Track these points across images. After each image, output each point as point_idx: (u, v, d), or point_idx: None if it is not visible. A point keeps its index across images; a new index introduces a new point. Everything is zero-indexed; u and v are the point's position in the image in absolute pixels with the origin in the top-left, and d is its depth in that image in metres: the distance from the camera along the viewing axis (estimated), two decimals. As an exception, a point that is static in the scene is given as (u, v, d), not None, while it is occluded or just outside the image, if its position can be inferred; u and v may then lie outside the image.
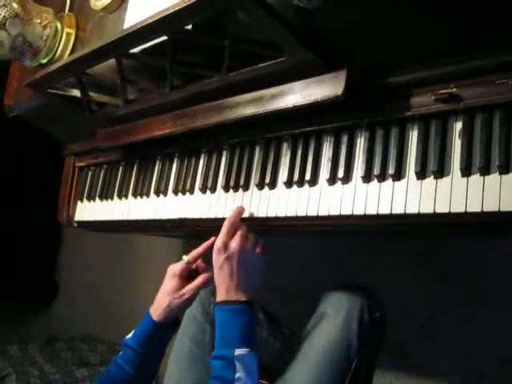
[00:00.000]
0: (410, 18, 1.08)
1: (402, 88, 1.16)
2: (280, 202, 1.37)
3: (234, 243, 1.22)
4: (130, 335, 1.33)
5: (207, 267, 1.37)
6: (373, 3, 1.09)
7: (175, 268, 1.36)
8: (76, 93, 1.61)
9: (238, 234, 1.25)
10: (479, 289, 1.92)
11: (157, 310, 1.32)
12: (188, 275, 1.37)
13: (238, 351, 1.13)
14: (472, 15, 1.02)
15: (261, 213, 1.39)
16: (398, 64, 1.15)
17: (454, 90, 1.10)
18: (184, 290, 1.33)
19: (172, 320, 1.35)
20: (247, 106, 1.35)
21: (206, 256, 1.36)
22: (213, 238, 1.38)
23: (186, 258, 1.38)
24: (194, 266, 1.39)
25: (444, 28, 1.06)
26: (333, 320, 1.31)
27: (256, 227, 1.43)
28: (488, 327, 1.86)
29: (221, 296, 1.21)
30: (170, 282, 1.35)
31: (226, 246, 1.22)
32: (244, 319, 1.17)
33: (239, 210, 1.32)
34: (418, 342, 2.02)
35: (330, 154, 1.30)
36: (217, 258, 1.23)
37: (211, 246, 1.36)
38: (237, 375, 1.11)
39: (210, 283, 1.35)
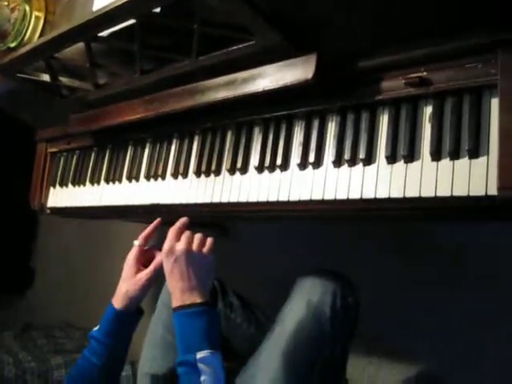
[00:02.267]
0: (381, 2, 1.07)
1: (372, 72, 1.16)
2: (251, 187, 1.36)
3: (180, 245, 1.20)
4: (96, 327, 1.32)
5: (159, 252, 1.35)
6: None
7: (130, 255, 1.35)
8: (46, 77, 1.59)
9: (183, 237, 1.23)
10: (453, 272, 1.93)
11: (117, 298, 1.30)
12: (145, 261, 1.35)
13: (200, 354, 1.12)
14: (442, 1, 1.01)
15: (232, 198, 1.39)
16: (369, 48, 1.14)
17: (425, 73, 1.09)
18: (139, 275, 1.30)
19: (134, 309, 1.32)
20: (218, 90, 1.33)
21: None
22: (158, 219, 1.40)
23: (136, 242, 1.36)
24: (145, 248, 1.37)
25: (414, 12, 1.05)
26: (305, 305, 1.31)
27: (227, 213, 1.43)
28: (461, 310, 1.88)
29: (176, 301, 1.19)
30: (127, 269, 1.33)
31: (172, 250, 1.20)
32: (202, 321, 1.16)
33: (184, 220, 1.30)
34: (392, 326, 2.02)
35: (301, 139, 1.29)
36: (166, 263, 1.21)
37: (157, 226, 1.39)
38: (202, 378, 1.10)
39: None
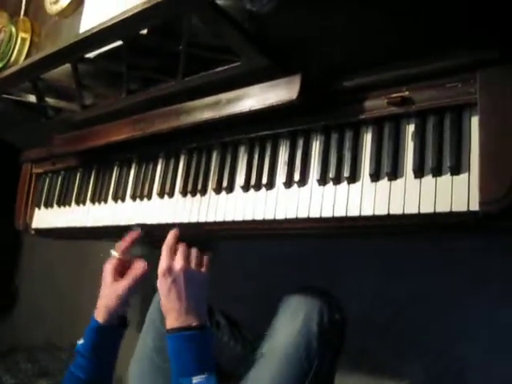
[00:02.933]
0: (362, 24, 1.09)
1: (355, 92, 1.18)
2: (237, 205, 1.37)
3: (178, 265, 1.18)
4: (81, 340, 1.30)
5: (138, 261, 1.34)
6: (325, 9, 1.10)
7: (107, 266, 1.33)
8: (32, 98, 1.60)
9: (179, 254, 1.21)
10: (443, 286, 1.94)
11: (98, 311, 1.28)
12: (125, 271, 1.32)
13: (196, 379, 1.11)
14: (423, 21, 1.04)
15: (218, 217, 1.40)
16: (352, 68, 1.17)
17: (406, 93, 1.12)
18: (117, 286, 1.28)
19: (116, 322, 1.30)
20: (204, 110, 1.35)
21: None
22: (138, 231, 1.39)
23: (114, 252, 1.34)
24: (123, 258, 1.34)
25: (396, 33, 1.08)
26: (292, 323, 1.32)
27: (214, 232, 1.44)
28: (451, 325, 1.89)
29: (171, 322, 1.17)
30: (104, 280, 1.31)
31: (170, 270, 1.18)
32: (198, 344, 1.15)
33: (175, 232, 1.29)
34: (381, 342, 2.03)
35: (286, 158, 1.31)
36: (163, 283, 1.19)
37: (137, 238, 1.37)
38: None
39: (142, 278, 1.30)
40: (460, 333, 1.86)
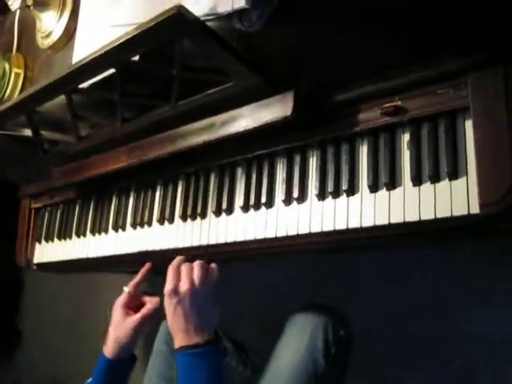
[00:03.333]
0: (352, 37, 1.12)
1: (348, 105, 1.19)
2: (238, 226, 1.37)
3: (184, 286, 1.17)
4: (89, 379, 1.30)
5: (151, 297, 1.34)
6: (314, 25, 1.12)
7: (118, 301, 1.33)
8: (28, 132, 1.60)
9: (184, 275, 1.19)
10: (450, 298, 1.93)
11: (108, 346, 1.29)
12: (135, 307, 1.34)
13: None
14: (409, 30, 1.06)
15: (220, 239, 1.40)
16: (343, 82, 1.17)
17: (399, 102, 1.12)
18: (129, 320, 1.29)
19: (126, 356, 1.31)
20: (199, 133, 1.35)
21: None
22: (148, 264, 1.38)
23: (126, 288, 1.35)
24: (135, 294, 1.35)
25: (385, 44, 1.10)
26: (298, 341, 1.32)
27: (217, 254, 1.43)
28: (457, 334, 1.88)
29: (179, 341, 1.16)
30: (115, 315, 1.31)
31: (175, 290, 1.17)
32: (207, 361, 1.14)
33: (181, 258, 1.28)
34: (388, 353, 2.01)
35: (284, 175, 1.31)
36: (169, 304, 1.18)
37: (147, 272, 1.37)
38: None
39: (155, 313, 1.32)
40: (468, 340, 1.85)
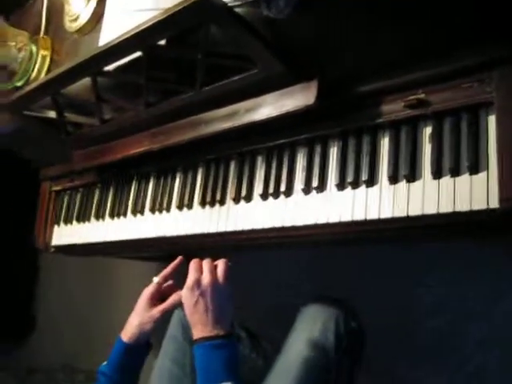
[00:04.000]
0: (378, 28, 1.11)
1: (372, 96, 1.19)
2: (257, 214, 1.38)
3: (206, 279, 1.19)
4: (105, 362, 1.32)
5: (177, 289, 1.36)
6: (341, 15, 1.12)
7: (146, 290, 1.36)
8: (52, 114, 1.62)
9: (207, 268, 1.22)
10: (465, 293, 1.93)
11: (128, 331, 1.30)
12: (161, 298, 1.36)
13: None
14: (436, 23, 1.06)
15: (238, 226, 1.40)
16: (368, 73, 1.18)
17: (422, 95, 1.12)
18: (154, 311, 1.31)
19: (143, 343, 1.32)
20: (222, 120, 1.36)
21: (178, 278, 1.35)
22: (180, 257, 1.39)
23: (155, 279, 1.37)
24: (164, 286, 1.37)
25: (411, 36, 1.10)
26: (309, 333, 1.32)
27: (233, 241, 1.44)
28: (470, 336, 1.87)
29: (199, 333, 1.18)
30: (141, 303, 1.33)
31: (198, 283, 1.19)
32: (226, 353, 1.15)
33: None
34: (402, 355, 2.01)
35: (304, 164, 1.32)
36: (190, 296, 1.20)
37: (178, 265, 1.38)
38: None
39: (178, 305, 1.33)
40: (480, 342, 1.85)
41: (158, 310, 1.31)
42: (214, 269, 1.23)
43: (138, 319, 1.31)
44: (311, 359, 1.29)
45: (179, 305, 1.31)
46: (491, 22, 1.00)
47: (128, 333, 1.30)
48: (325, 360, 1.29)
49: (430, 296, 1.99)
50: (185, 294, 1.21)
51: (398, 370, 2.01)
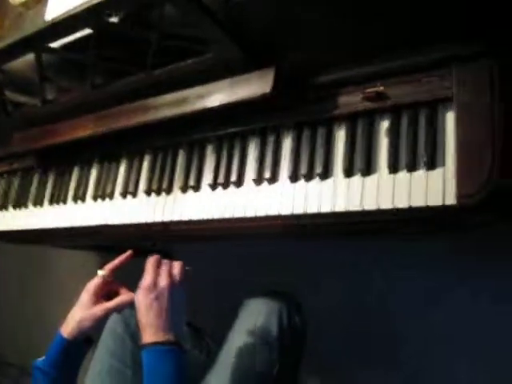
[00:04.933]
0: (340, 18, 1.10)
1: (330, 87, 1.17)
2: (205, 204, 1.34)
3: (163, 282, 1.14)
4: (42, 357, 1.25)
5: (125, 286, 1.30)
6: (301, 2, 1.10)
7: (90, 283, 1.28)
8: (-11, 93, 1.54)
9: (165, 270, 1.16)
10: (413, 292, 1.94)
11: (67, 325, 1.22)
12: (107, 294, 1.28)
13: None
14: (398, 15, 1.04)
15: (184, 216, 1.36)
16: (327, 63, 1.16)
17: (381, 88, 1.11)
18: (96, 309, 1.22)
19: (83, 339, 1.26)
20: (172, 106, 1.32)
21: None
22: (129, 251, 1.32)
23: (100, 272, 1.28)
24: (110, 281, 1.31)
25: (372, 27, 1.08)
26: (252, 325, 1.30)
27: (180, 231, 1.40)
28: (428, 337, 1.89)
29: (149, 337, 1.11)
30: (84, 297, 1.26)
31: (154, 285, 1.13)
32: (177, 360, 1.10)
33: (158, 256, 1.23)
34: (347, 351, 2.01)
35: (256, 155, 1.29)
36: (144, 298, 1.13)
37: (127, 260, 1.30)
38: None
39: (125, 307, 1.26)
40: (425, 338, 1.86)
41: (101, 309, 1.22)
42: (172, 270, 1.17)
43: (79, 314, 1.23)
44: (254, 353, 1.26)
45: (127, 306, 1.25)
46: (453, 18, 1.00)
47: (68, 327, 1.22)
48: (267, 352, 1.26)
49: (382, 293, 1.99)
50: (139, 295, 1.14)
51: (348, 368, 2.01)
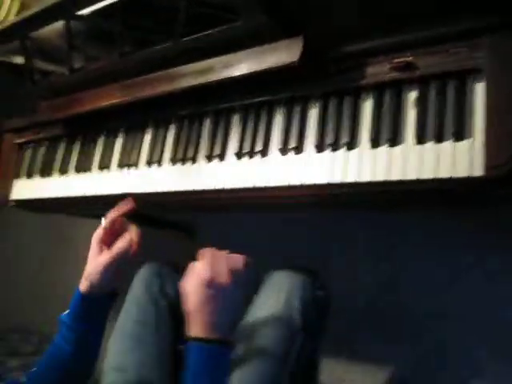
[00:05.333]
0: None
1: (358, 56, 1.16)
2: (230, 173, 1.34)
3: (224, 279, 1.06)
4: (67, 311, 1.26)
5: (126, 234, 1.27)
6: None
7: (95, 235, 1.25)
8: (19, 60, 1.55)
9: (226, 265, 1.08)
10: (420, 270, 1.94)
11: (82, 281, 1.24)
12: (111, 243, 1.23)
13: None
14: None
15: (209, 185, 1.36)
16: (355, 33, 1.15)
17: (410, 58, 1.10)
18: (100, 257, 1.20)
19: (102, 293, 1.23)
20: (198, 74, 1.32)
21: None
22: (131, 200, 1.26)
23: (103, 221, 1.26)
24: (112, 229, 1.24)
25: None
26: (275, 299, 1.29)
27: (204, 201, 1.40)
28: (439, 314, 1.89)
29: (200, 331, 1.05)
30: (91, 249, 1.24)
31: (213, 282, 1.05)
32: (223, 359, 1.07)
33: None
34: (364, 328, 2.01)
35: (282, 125, 1.28)
36: (200, 292, 1.06)
37: (128, 210, 1.25)
38: None
39: (125, 251, 1.20)
40: (440, 316, 1.86)
41: (103, 259, 1.20)
42: (235, 267, 1.09)
43: (88, 270, 1.24)
44: (276, 324, 1.26)
45: (126, 252, 1.21)
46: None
47: (83, 283, 1.24)
48: (289, 327, 1.26)
49: (397, 270, 1.99)
50: (194, 288, 1.07)
51: (363, 343, 2.02)
